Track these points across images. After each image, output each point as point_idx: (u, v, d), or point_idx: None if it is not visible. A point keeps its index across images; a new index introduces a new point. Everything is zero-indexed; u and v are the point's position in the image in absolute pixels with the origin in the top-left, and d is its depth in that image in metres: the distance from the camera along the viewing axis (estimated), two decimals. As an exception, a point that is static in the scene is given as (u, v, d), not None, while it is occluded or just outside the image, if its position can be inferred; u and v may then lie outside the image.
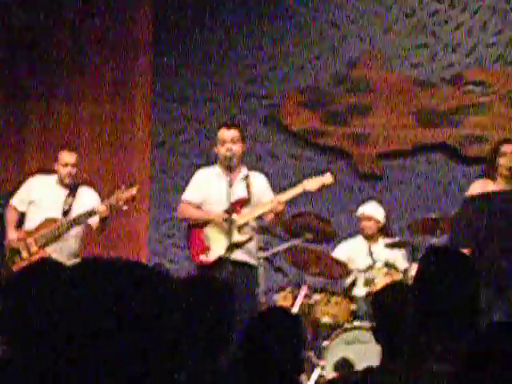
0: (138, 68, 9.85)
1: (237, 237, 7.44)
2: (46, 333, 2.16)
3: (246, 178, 7.64)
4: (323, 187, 7.82)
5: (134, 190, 7.84)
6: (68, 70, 9.78)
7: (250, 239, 7.49)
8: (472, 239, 7.28)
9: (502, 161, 7.44)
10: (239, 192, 7.57)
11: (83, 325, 1.69)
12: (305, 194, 7.76)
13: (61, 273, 2.76)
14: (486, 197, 7.37)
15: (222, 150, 7.57)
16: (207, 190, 7.69)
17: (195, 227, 7.69)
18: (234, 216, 7.46)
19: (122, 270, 1.73)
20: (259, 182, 7.75)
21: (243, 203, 7.59)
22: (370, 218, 8.63)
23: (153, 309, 1.71)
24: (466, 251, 6.90)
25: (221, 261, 7.40)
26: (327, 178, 7.74)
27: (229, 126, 7.73)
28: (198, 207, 7.72)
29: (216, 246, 7.50)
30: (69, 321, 1.70)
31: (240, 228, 7.51)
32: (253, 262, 7.63)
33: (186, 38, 9.82)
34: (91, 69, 9.80)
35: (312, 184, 7.68)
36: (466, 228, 7.43)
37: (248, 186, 7.62)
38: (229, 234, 7.39)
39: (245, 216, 7.55)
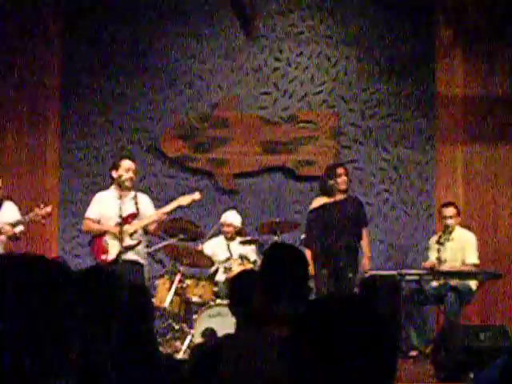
0: (50, 109, 9.64)
1: (128, 242, 7.51)
2: None
3: (135, 197, 7.69)
4: (193, 202, 7.88)
5: (49, 208, 7.72)
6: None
7: (138, 243, 7.55)
8: (317, 239, 7.67)
9: (339, 180, 7.86)
10: (129, 208, 7.64)
11: None
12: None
13: None
14: (322, 207, 7.89)
15: (125, 175, 7.59)
16: (104, 208, 7.73)
17: (97, 235, 7.70)
18: (126, 227, 7.50)
19: (28, 262, 1.67)
20: (144, 201, 7.82)
21: (133, 217, 7.65)
22: (229, 225, 8.65)
23: (50, 290, 1.64)
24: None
25: (116, 259, 7.45)
26: (196, 195, 7.91)
27: (132, 159, 7.79)
28: (98, 221, 7.73)
29: (113, 249, 7.54)
30: None
31: (131, 235, 7.55)
32: (141, 260, 7.68)
33: (89, 86, 9.65)
34: (13, 110, 9.55)
35: (185, 200, 7.85)
36: (311, 232, 7.83)
37: (136, 204, 7.67)
38: (122, 240, 7.38)
39: (134, 226, 7.59)
